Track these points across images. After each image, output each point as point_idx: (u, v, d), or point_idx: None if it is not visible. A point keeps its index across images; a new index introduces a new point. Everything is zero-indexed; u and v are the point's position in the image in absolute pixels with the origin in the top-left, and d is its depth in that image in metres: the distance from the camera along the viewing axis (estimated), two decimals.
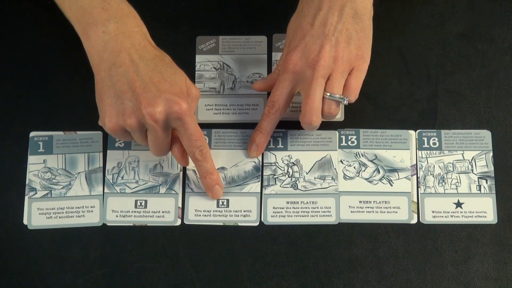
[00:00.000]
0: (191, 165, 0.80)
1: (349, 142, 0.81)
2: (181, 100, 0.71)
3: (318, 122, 0.75)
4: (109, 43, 0.72)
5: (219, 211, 0.79)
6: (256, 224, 0.79)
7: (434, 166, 0.80)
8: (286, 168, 0.80)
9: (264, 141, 0.79)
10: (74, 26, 0.75)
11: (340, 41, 0.73)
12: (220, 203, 0.79)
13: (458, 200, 0.79)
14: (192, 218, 0.79)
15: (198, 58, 0.85)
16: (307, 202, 0.79)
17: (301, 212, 0.79)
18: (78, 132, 0.81)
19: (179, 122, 0.72)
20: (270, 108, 0.77)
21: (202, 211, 0.79)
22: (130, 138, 0.75)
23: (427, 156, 0.81)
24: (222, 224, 0.79)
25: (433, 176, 0.80)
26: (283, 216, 0.79)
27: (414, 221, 0.79)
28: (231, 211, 0.79)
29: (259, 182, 0.80)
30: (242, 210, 0.79)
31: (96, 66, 0.73)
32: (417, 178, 0.80)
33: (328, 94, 0.74)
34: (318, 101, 0.74)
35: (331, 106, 0.75)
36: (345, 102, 0.75)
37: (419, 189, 0.80)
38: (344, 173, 0.80)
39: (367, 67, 0.76)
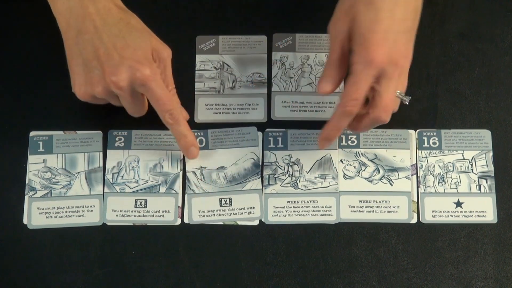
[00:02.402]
0: (190, 166, 0.80)
1: (349, 142, 0.81)
2: (143, 67, 0.71)
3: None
4: (74, 8, 0.72)
5: (222, 210, 0.79)
6: (257, 223, 0.79)
7: (434, 166, 0.80)
8: (286, 167, 0.80)
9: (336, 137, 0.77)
10: None
11: (411, 40, 0.72)
12: (223, 202, 0.79)
13: (458, 200, 0.79)
14: (196, 219, 0.79)
15: (198, 58, 0.85)
16: (307, 202, 0.79)
17: (302, 211, 0.79)
18: (78, 132, 0.81)
19: (143, 88, 0.72)
20: (352, 107, 0.71)
21: (205, 211, 0.79)
22: (105, 101, 0.76)
23: (427, 155, 0.81)
24: (222, 223, 0.79)
25: (433, 176, 0.80)
26: (283, 215, 0.79)
27: (414, 220, 0.79)
28: (234, 209, 0.79)
29: (260, 179, 0.80)
30: (245, 207, 0.79)
31: (64, 34, 0.74)
32: (417, 177, 0.80)
33: (398, 92, 0.72)
34: (394, 99, 0.72)
35: (397, 105, 0.74)
36: (407, 101, 0.74)
37: (419, 188, 0.80)
38: (344, 173, 0.80)
39: None
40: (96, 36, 0.71)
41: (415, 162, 0.81)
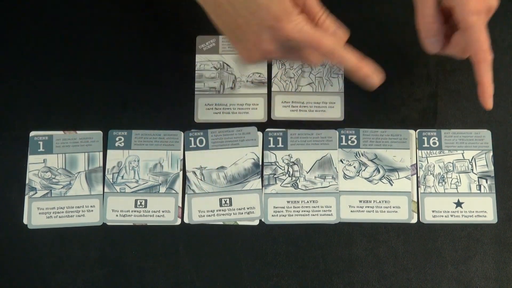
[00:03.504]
0: (190, 166, 0.80)
1: (349, 142, 0.81)
2: (281, 23, 0.67)
3: None
4: None
5: (222, 210, 0.79)
6: (257, 223, 0.79)
7: (434, 166, 0.80)
8: (286, 167, 0.80)
9: None
10: None
11: None
12: (223, 202, 0.79)
13: (458, 200, 0.79)
14: (196, 219, 0.79)
15: (198, 58, 0.85)
16: (307, 201, 0.79)
17: (302, 211, 0.79)
18: (78, 132, 0.81)
19: (292, 43, 0.69)
20: (491, 55, 0.71)
21: (205, 211, 0.79)
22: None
23: (427, 155, 0.81)
24: (222, 223, 0.79)
25: (433, 176, 0.80)
26: (283, 215, 0.79)
27: (414, 220, 0.79)
28: (234, 209, 0.79)
29: (260, 179, 0.80)
30: (245, 207, 0.79)
31: (205, 6, 0.71)
32: (417, 177, 0.80)
33: None
34: None
35: None
36: None
37: (419, 188, 0.80)
38: (344, 173, 0.80)
39: None
40: (229, 6, 0.68)
41: (415, 162, 0.81)
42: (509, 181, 0.80)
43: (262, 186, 0.80)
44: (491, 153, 0.81)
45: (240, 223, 0.79)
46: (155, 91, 0.82)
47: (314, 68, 0.83)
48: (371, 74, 0.70)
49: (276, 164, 0.81)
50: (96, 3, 0.85)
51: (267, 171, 0.80)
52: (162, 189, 0.80)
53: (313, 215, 0.79)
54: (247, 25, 0.68)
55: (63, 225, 0.79)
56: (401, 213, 0.79)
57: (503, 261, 0.78)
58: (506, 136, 0.82)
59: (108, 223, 0.79)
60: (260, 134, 0.82)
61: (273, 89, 0.83)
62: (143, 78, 0.83)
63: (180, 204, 0.79)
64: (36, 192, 0.80)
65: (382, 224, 0.79)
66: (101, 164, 0.81)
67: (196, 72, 0.84)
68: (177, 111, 0.82)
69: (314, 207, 0.79)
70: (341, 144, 0.81)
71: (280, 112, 0.82)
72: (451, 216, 0.79)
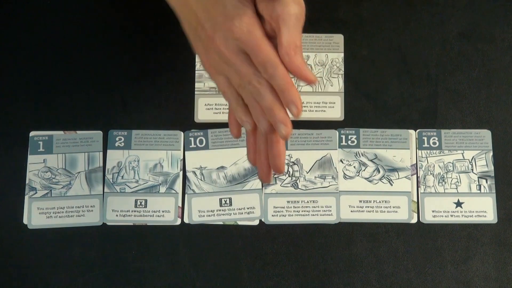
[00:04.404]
0: (190, 166, 0.80)
1: (349, 142, 0.81)
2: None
3: None
4: None
5: (222, 210, 0.79)
6: (257, 223, 0.79)
7: (434, 166, 0.80)
8: (286, 167, 0.80)
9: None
10: None
11: None
12: (223, 202, 0.79)
13: (458, 200, 0.79)
14: (196, 219, 0.79)
15: (199, 58, 0.85)
16: (307, 201, 0.79)
17: (302, 211, 0.79)
18: (78, 132, 0.81)
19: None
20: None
21: (205, 211, 0.79)
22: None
23: (427, 155, 0.81)
24: (222, 223, 0.79)
25: (433, 176, 0.80)
26: (283, 215, 0.79)
27: (414, 220, 0.79)
28: (234, 209, 0.79)
29: None
30: (245, 207, 0.79)
31: None
32: (417, 177, 0.80)
33: None
34: None
35: None
36: None
37: (419, 188, 0.80)
38: (344, 173, 0.80)
39: None
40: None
41: (415, 162, 0.81)
42: (509, 181, 0.80)
43: (262, 186, 0.80)
44: (491, 153, 0.81)
45: (240, 223, 0.79)
46: (155, 91, 0.82)
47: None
48: (298, 100, 0.63)
49: None
50: (96, 3, 0.85)
51: None
52: (162, 189, 0.80)
53: (313, 215, 0.79)
54: (206, 19, 0.64)
55: (63, 225, 0.79)
56: (401, 213, 0.79)
57: (503, 261, 0.78)
58: (506, 136, 0.82)
59: (108, 223, 0.79)
60: None
61: None
62: (143, 78, 0.83)
63: (180, 204, 0.79)
64: (36, 192, 0.80)
65: (382, 224, 0.79)
66: (101, 164, 0.81)
67: (196, 72, 0.84)
68: (177, 111, 0.82)
69: (314, 207, 0.79)
70: (341, 144, 0.81)
71: None
72: (451, 216, 0.79)
